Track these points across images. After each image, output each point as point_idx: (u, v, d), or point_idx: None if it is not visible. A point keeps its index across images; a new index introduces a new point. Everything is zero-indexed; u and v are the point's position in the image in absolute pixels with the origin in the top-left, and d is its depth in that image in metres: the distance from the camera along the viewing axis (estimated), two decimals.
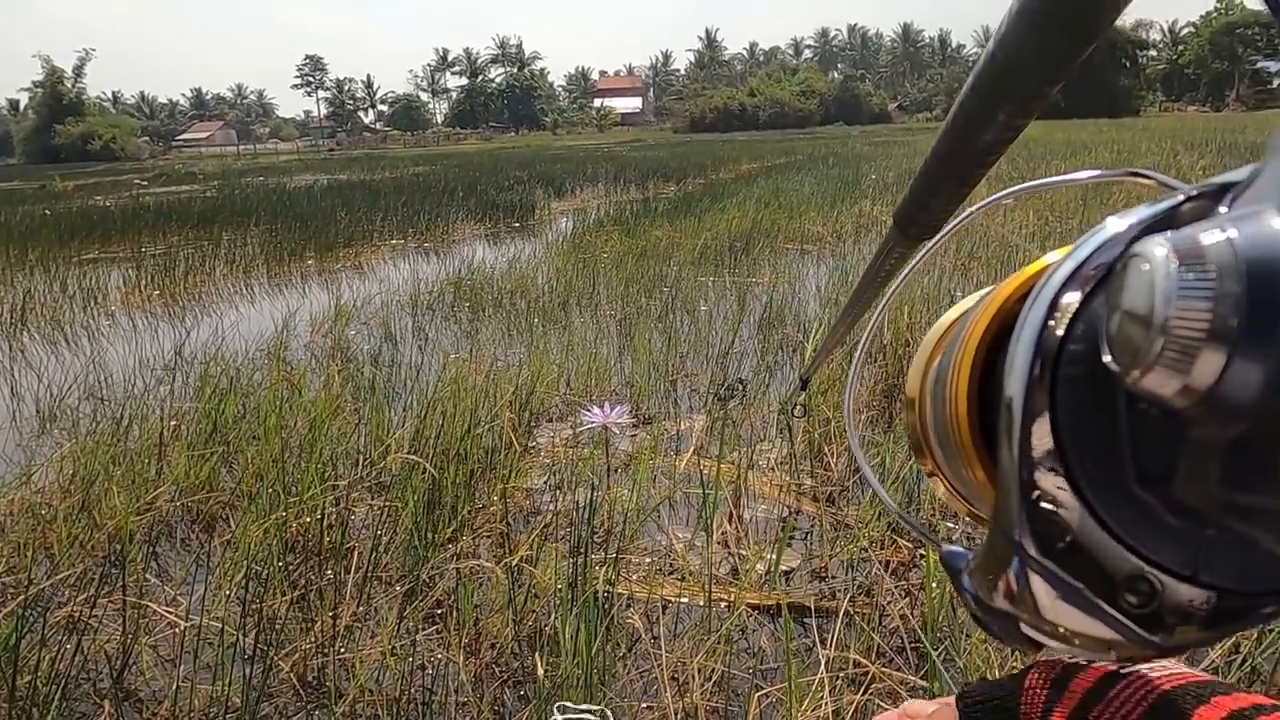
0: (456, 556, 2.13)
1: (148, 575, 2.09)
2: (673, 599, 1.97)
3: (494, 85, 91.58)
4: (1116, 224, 0.19)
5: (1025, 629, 0.21)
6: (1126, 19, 56.55)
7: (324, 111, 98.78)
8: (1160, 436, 0.17)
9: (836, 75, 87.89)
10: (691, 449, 2.82)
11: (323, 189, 13.93)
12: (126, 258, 7.57)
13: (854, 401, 3.06)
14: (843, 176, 11.90)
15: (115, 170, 31.29)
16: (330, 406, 2.99)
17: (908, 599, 1.94)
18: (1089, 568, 0.19)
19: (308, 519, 2.27)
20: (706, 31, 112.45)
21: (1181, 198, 0.18)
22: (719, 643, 1.73)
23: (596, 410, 2.37)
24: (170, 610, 1.91)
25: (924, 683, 1.62)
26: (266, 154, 52.59)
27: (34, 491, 2.52)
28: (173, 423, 2.98)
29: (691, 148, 26.39)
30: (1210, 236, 0.15)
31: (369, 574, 2.05)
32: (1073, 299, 0.19)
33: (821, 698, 1.55)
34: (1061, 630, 0.20)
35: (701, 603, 1.91)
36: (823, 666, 1.61)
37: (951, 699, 0.34)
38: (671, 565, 2.13)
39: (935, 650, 1.63)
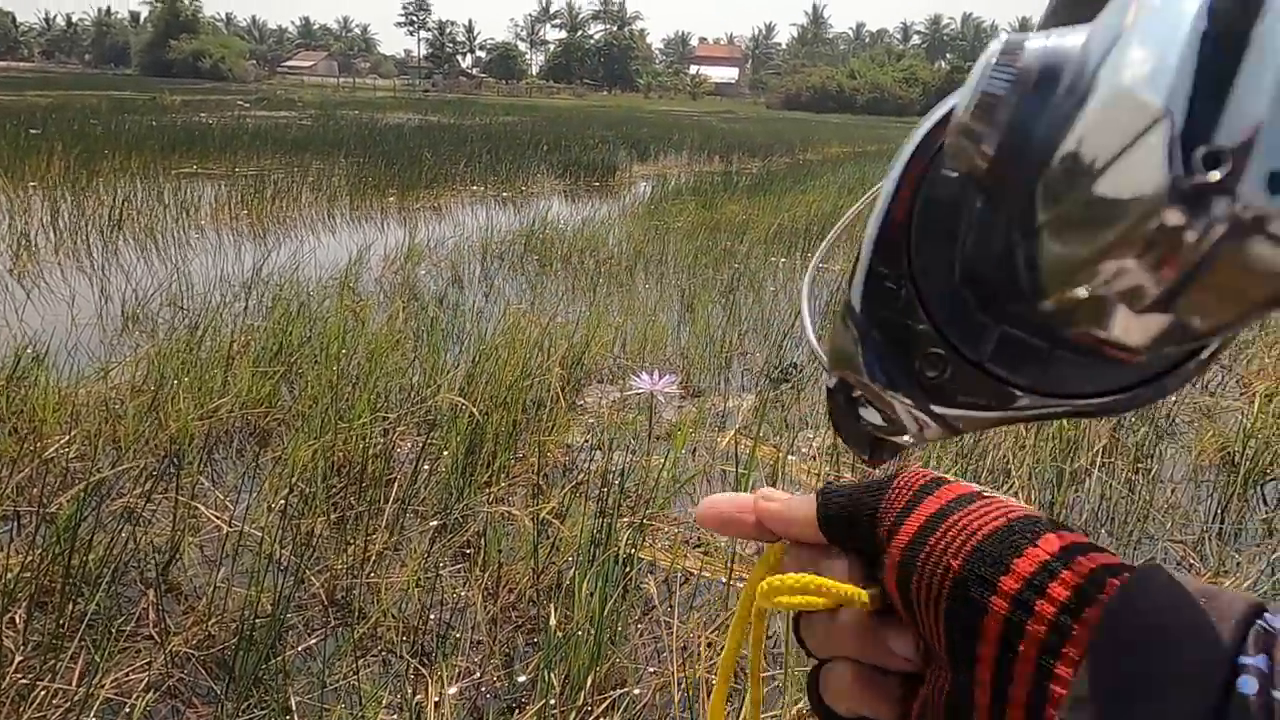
0: (490, 501, 2.18)
1: (201, 478, 2.20)
2: (694, 571, 1.98)
3: (592, 42, 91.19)
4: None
5: (864, 424, 0.26)
6: None
7: (423, 52, 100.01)
8: (977, 226, 0.21)
9: (944, 65, 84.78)
10: (736, 427, 2.81)
11: (413, 128, 14.17)
12: (221, 175, 7.86)
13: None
14: None
15: (221, 90, 32.38)
16: (391, 340, 3.08)
17: None
18: (901, 339, 0.23)
19: (355, 446, 2.35)
20: (814, 7, 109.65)
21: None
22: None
23: (645, 377, 2.38)
24: (217, 514, 2.01)
25: None
26: (364, 88, 53.64)
27: (110, 387, 2.67)
28: (243, 338, 3.11)
29: (782, 124, 25.90)
30: (1032, 40, 0.19)
31: (405, 505, 2.12)
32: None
33: None
34: (877, 399, 0.24)
35: (723, 579, 1.92)
36: None
37: (813, 495, 0.33)
38: (698, 538, 2.14)
39: None
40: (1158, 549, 2.26)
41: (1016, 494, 2.36)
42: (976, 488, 0.30)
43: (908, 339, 0.23)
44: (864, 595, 0.29)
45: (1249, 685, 0.20)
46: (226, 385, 2.69)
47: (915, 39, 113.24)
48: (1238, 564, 2.15)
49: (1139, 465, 2.69)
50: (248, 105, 19.78)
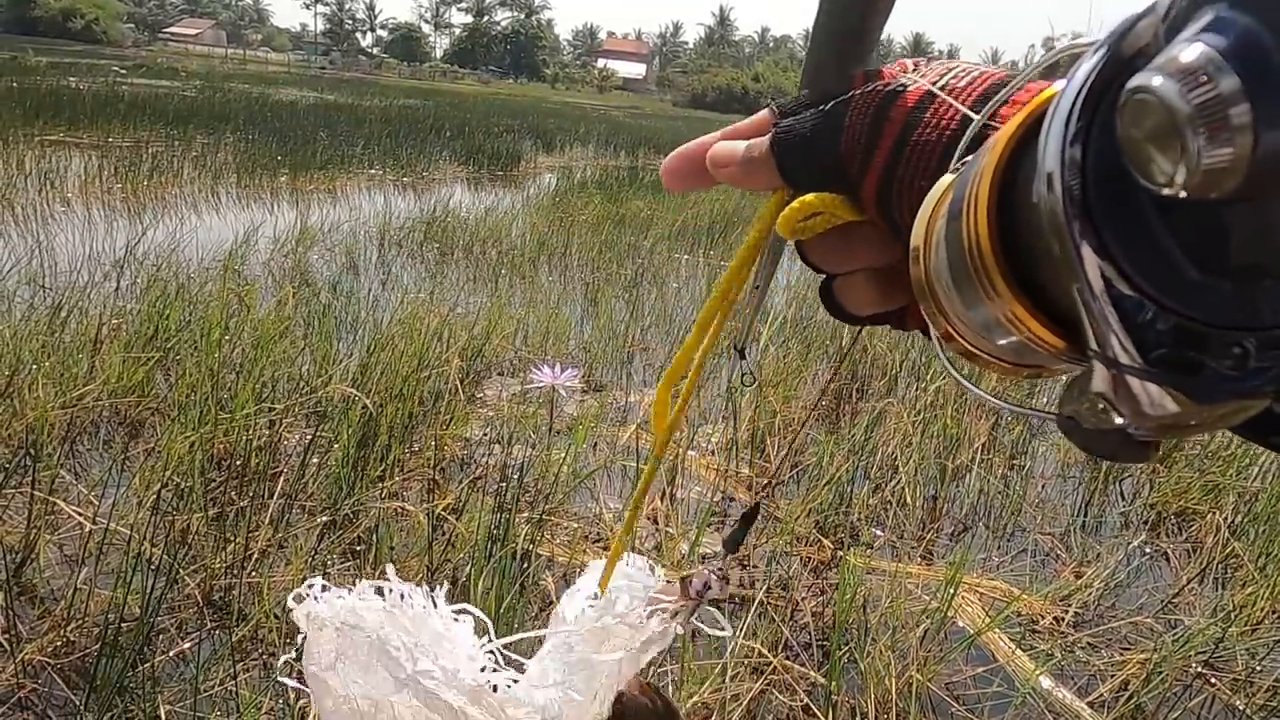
0: (383, 496, 2.11)
1: (62, 472, 2.04)
2: None
3: (499, 28, 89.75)
4: (1088, 64, 0.20)
5: (1135, 434, 0.23)
6: None
7: (321, 27, 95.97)
8: (1203, 228, 0.19)
9: None
10: (637, 421, 2.82)
11: (307, 106, 13.56)
12: (92, 145, 7.31)
13: (820, 383, 3.09)
14: None
15: (94, 54, 30.11)
16: (279, 327, 2.93)
17: (822, 597, 1.97)
18: (1180, 357, 0.20)
19: (238, 437, 2.22)
20: (720, 8, 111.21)
21: (1117, 35, 0.19)
22: None
23: (546, 370, 2.35)
24: (79, 511, 1.86)
25: (824, 679, 1.65)
26: (256, 61, 50.95)
27: None
28: (114, 321, 2.90)
29: (688, 123, 26.16)
30: (1187, 52, 0.16)
31: (291, 501, 2.03)
32: (1077, 130, 0.20)
33: (721, 683, 1.57)
34: (1169, 421, 0.21)
35: None
36: (728, 652, 1.63)
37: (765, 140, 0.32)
38: (598, 533, 2.13)
39: (840, 650, 1.66)
40: (1029, 540, 2.40)
41: (903, 488, 2.46)
42: (934, 78, 0.29)
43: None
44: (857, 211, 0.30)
45: None
46: (93, 371, 2.50)
47: None
48: (1098, 554, 2.31)
49: (1014, 462, 2.85)
50: (124, 71, 18.43)
